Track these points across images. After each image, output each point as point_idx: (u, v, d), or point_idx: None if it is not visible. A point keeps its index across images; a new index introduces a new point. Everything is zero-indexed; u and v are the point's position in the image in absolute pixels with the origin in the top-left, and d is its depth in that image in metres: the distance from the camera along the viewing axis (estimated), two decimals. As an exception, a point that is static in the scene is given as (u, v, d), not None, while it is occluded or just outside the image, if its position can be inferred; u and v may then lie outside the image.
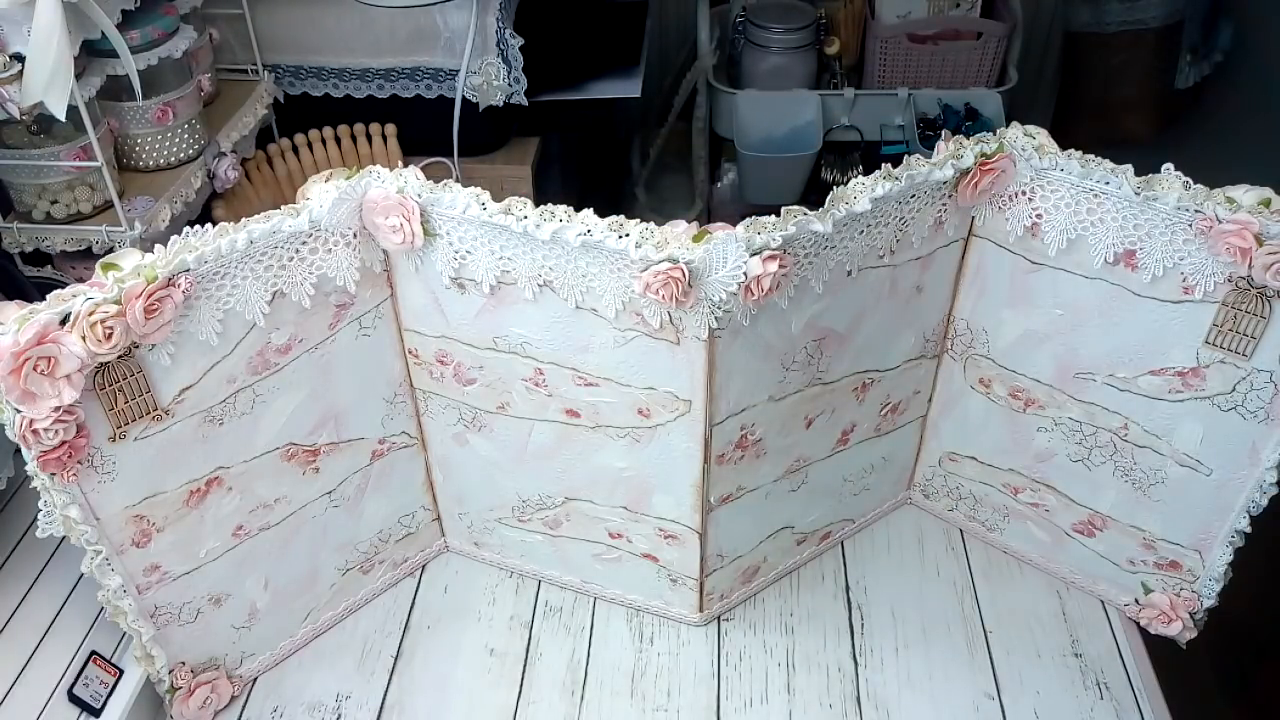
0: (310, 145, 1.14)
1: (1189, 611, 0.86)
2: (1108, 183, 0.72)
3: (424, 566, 0.95)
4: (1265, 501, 0.77)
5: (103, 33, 0.80)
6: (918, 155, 0.73)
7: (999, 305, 0.82)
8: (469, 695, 0.84)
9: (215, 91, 1.07)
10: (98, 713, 0.75)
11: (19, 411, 0.60)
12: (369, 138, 1.16)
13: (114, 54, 0.84)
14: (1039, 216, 0.76)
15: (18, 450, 0.62)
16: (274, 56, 1.14)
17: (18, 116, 0.78)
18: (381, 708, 0.83)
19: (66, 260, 0.94)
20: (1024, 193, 0.76)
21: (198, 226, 0.66)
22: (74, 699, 0.75)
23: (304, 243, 0.69)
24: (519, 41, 1.11)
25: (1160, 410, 0.78)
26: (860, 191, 0.70)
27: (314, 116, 1.14)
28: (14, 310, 0.60)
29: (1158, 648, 0.88)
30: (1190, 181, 0.70)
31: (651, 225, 0.66)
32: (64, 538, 0.68)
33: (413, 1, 1.07)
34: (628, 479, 0.81)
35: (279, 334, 0.71)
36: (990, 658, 0.86)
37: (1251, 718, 1.27)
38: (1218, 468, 0.78)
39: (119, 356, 0.63)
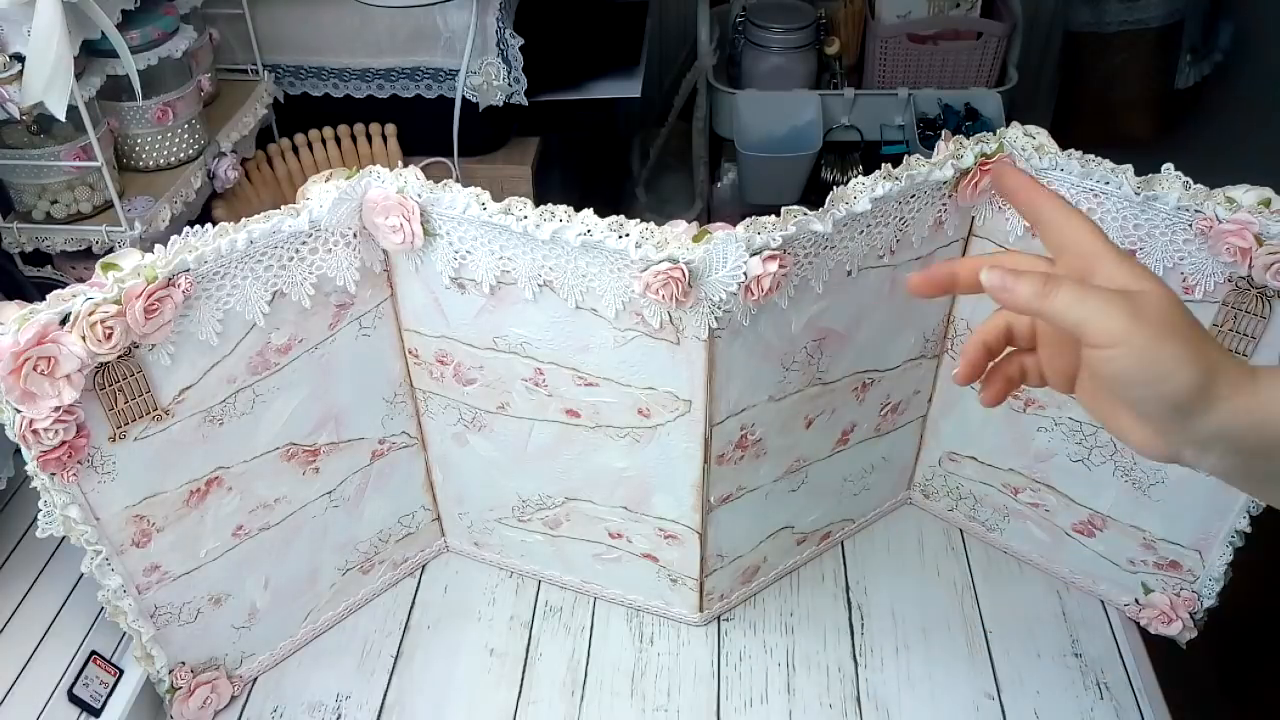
0: (310, 145, 1.14)
1: (1189, 611, 0.86)
2: (1108, 183, 0.72)
3: (424, 566, 0.95)
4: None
5: (103, 33, 0.80)
6: (918, 155, 0.73)
7: (999, 305, 0.82)
8: (469, 695, 0.84)
9: (215, 91, 1.07)
10: (98, 713, 0.75)
11: (19, 411, 0.60)
12: (369, 138, 1.16)
13: (114, 54, 0.84)
14: (1039, 216, 0.76)
15: (18, 450, 0.62)
16: (274, 56, 1.14)
17: (18, 116, 0.78)
18: (381, 708, 0.83)
19: (66, 260, 0.94)
20: (1024, 193, 0.76)
21: (198, 226, 0.66)
22: (74, 699, 0.75)
23: (304, 243, 0.69)
24: (519, 41, 1.11)
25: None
26: (860, 191, 0.70)
27: (314, 116, 1.14)
28: (14, 310, 0.60)
29: (1158, 648, 0.88)
30: (1190, 181, 0.70)
31: (651, 225, 0.66)
32: (64, 538, 0.68)
33: (413, 1, 1.07)
34: (628, 479, 0.81)
35: (279, 334, 0.71)
36: (990, 658, 0.86)
37: (1251, 718, 1.27)
38: (1218, 468, 0.78)
39: (119, 356, 0.63)
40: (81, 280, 0.66)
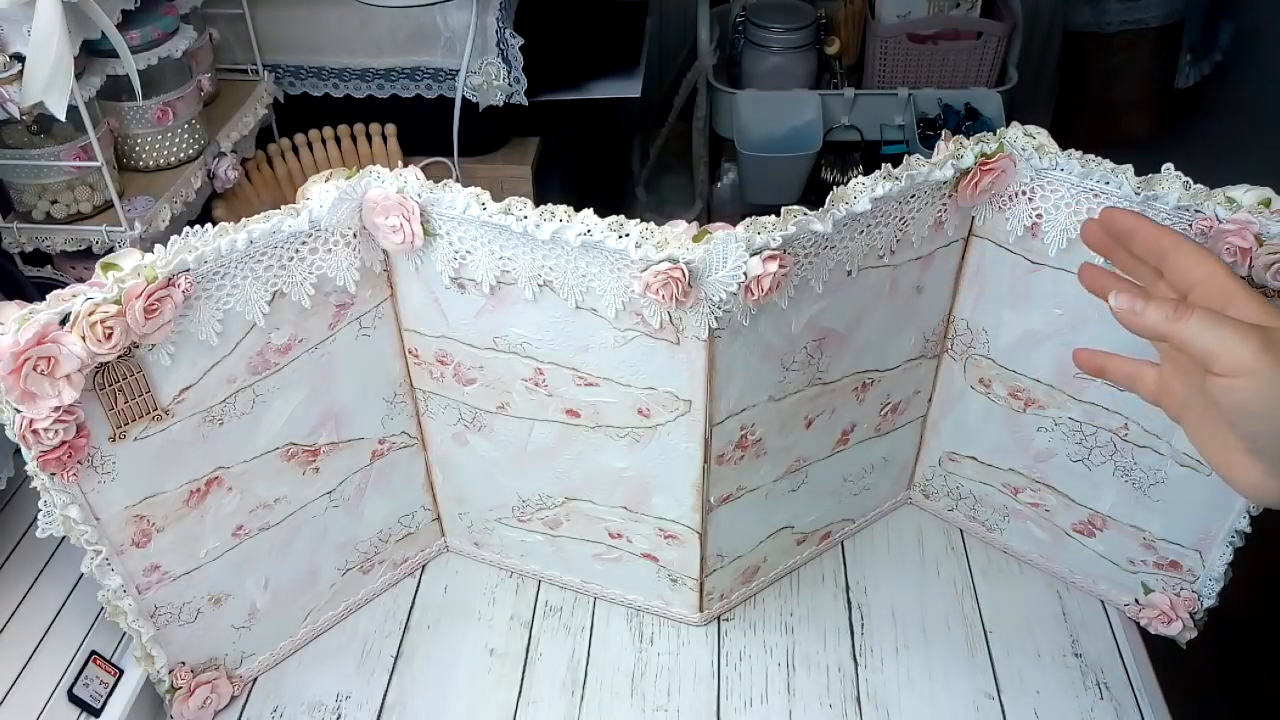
0: (310, 145, 1.14)
1: (1189, 611, 0.86)
2: (1108, 183, 0.72)
3: (424, 566, 0.95)
4: (1265, 501, 0.77)
5: (103, 33, 0.80)
6: (918, 155, 0.73)
7: (999, 305, 0.82)
8: (469, 695, 0.84)
9: (215, 91, 1.07)
10: (98, 713, 0.75)
11: (19, 411, 0.60)
12: (369, 138, 1.16)
13: (114, 54, 0.84)
14: (1039, 216, 0.76)
15: (18, 450, 0.62)
16: (274, 56, 1.14)
17: (18, 116, 0.78)
18: (381, 708, 0.83)
19: (66, 260, 0.94)
20: (1024, 193, 0.76)
21: (198, 226, 0.66)
22: (74, 699, 0.75)
23: (304, 243, 0.69)
24: (519, 41, 1.11)
25: (1161, 410, 0.78)
26: (860, 191, 0.70)
27: (314, 116, 1.14)
28: (14, 310, 0.60)
29: (1158, 648, 0.88)
30: (1190, 181, 0.70)
31: (651, 225, 0.66)
32: (64, 538, 0.68)
33: (413, 1, 1.07)
34: (628, 479, 0.81)
35: (279, 334, 0.71)
36: (990, 658, 0.86)
37: (1251, 718, 1.27)
38: (1218, 468, 0.78)
39: (119, 356, 0.63)
40: (81, 280, 0.66)
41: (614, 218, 0.66)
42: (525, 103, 1.14)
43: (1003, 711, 0.82)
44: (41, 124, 0.85)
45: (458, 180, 0.77)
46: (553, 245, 0.67)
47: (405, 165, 0.71)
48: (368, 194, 0.70)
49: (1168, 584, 0.87)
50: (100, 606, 0.73)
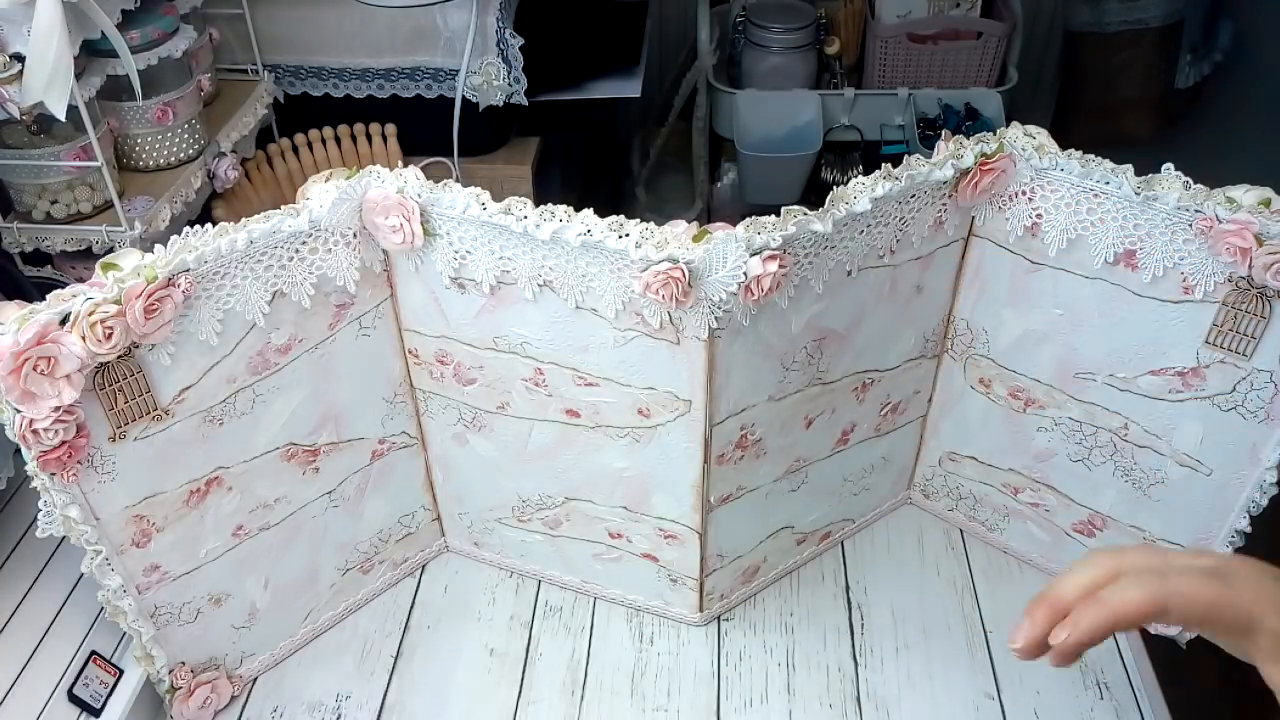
0: (310, 145, 1.14)
1: (1189, 611, 0.86)
2: (1108, 183, 0.72)
3: (424, 566, 0.95)
4: (1265, 501, 0.77)
5: (103, 33, 0.80)
6: (918, 155, 0.73)
7: (999, 305, 0.82)
8: (469, 695, 0.84)
9: (215, 91, 1.07)
10: (98, 713, 0.75)
11: (19, 411, 0.60)
12: (369, 138, 1.16)
13: (114, 54, 0.84)
14: (1039, 216, 0.76)
15: (18, 450, 0.62)
16: (274, 56, 1.14)
17: (18, 116, 0.78)
18: (381, 708, 0.83)
19: (66, 260, 0.94)
20: (1024, 193, 0.76)
21: (198, 226, 0.66)
22: (74, 699, 0.75)
23: (304, 243, 0.69)
24: (519, 41, 1.11)
25: (1160, 410, 0.78)
26: (860, 191, 0.70)
27: (314, 116, 1.14)
28: (14, 310, 0.60)
29: (1158, 648, 0.88)
30: (1190, 181, 0.70)
31: (651, 225, 0.66)
32: (64, 538, 0.68)
33: (413, 1, 1.07)
34: (628, 479, 0.81)
35: (279, 334, 0.71)
36: (990, 658, 0.86)
37: (1251, 718, 1.27)
38: (1218, 468, 0.78)
39: (119, 356, 0.63)
40: (81, 280, 0.67)
41: (614, 218, 0.66)
42: (525, 103, 1.14)
43: (1003, 711, 0.82)
44: (41, 124, 0.85)
45: (458, 180, 0.77)
46: (553, 245, 0.67)
47: (405, 165, 0.71)
48: (368, 194, 0.70)
49: (1168, 584, 0.86)
50: (100, 606, 0.73)
